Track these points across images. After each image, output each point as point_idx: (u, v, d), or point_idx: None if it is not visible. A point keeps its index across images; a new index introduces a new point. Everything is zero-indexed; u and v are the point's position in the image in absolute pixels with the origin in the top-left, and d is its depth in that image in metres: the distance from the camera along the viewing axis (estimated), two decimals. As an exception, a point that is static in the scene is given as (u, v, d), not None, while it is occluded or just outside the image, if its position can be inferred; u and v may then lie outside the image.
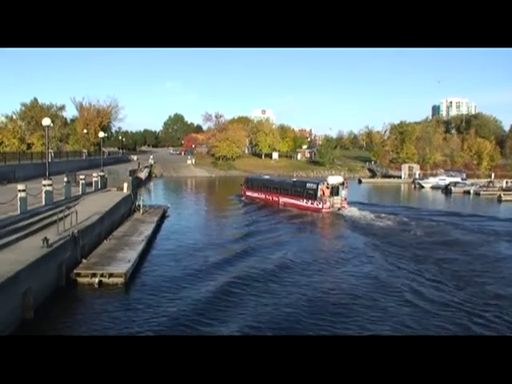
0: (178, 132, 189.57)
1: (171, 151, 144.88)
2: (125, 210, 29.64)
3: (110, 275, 16.57)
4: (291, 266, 20.09)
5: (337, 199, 38.27)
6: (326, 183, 38.73)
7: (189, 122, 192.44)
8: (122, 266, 17.46)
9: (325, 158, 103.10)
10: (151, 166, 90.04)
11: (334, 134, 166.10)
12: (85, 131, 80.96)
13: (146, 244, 22.12)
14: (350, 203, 39.40)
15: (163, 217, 32.85)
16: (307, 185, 40.34)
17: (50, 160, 29.34)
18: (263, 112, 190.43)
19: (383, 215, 35.28)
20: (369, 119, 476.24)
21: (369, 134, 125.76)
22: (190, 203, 49.44)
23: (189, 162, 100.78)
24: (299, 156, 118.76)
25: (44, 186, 22.47)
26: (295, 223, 33.15)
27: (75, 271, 16.66)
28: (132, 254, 19.27)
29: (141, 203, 32.18)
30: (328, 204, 37.73)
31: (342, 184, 38.87)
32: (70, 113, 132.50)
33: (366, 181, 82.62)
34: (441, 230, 30.07)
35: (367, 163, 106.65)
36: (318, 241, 28.42)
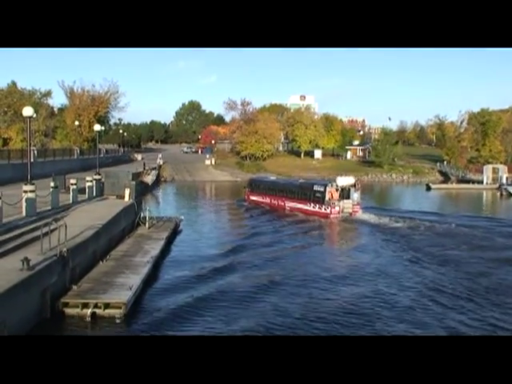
0: (193, 124, 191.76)
1: (185, 149, 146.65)
2: (126, 224, 29.88)
3: (107, 306, 16.63)
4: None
5: (347, 203, 41.35)
6: (334, 185, 41.82)
7: (207, 112, 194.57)
8: (121, 294, 17.52)
9: (382, 158, 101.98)
10: (160, 167, 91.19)
11: (394, 126, 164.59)
12: (76, 123, 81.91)
13: (152, 266, 22.20)
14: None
15: (174, 232, 33.05)
16: (314, 187, 43.42)
17: (32, 160, 29.81)
18: (302, 98, 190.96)
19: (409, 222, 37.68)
20: (440, 107, 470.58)
21: (440, 126, 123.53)
22: (209, 215, 49.64)
23: (207, 162, 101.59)
24: (349, 155, 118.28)
25: (25, 192, 22.72)
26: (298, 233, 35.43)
27: (62, 300, 16.76)
28: (134, 280, 19.33)
29: (147, 215, 32.43)
30: (337, 209, 40.88)
31: (354, 186, 42.10)
32: (58, 101, 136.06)
33: (436, 187, 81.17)
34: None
35: (438, 164, 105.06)
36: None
